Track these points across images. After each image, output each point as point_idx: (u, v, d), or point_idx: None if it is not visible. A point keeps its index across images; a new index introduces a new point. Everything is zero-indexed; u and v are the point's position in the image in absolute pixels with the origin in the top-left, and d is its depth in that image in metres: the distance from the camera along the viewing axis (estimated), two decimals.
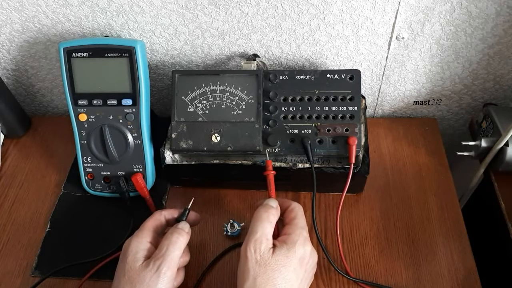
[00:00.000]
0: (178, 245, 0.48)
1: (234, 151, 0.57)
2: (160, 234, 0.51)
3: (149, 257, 0.47)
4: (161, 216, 0.52)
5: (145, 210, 0.60)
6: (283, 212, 0.51)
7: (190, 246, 0.50)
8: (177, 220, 0.52)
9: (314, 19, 0.58)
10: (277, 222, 0.50)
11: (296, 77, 0.57)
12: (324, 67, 0.64)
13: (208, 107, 0.57)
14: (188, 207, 0.53)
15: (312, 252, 0.48)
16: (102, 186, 0.62)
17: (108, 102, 0.58)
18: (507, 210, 0.58)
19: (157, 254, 0.47)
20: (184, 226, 0.50)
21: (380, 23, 0.58)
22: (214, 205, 0.62)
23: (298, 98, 0.57)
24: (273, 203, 0.50)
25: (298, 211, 0.50)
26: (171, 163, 0.59)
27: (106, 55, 0.57)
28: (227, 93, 0.57)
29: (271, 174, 0.52)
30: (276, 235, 0.49)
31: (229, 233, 0.58)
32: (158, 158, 0.60)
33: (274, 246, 0.46)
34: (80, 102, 0.58)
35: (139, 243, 0.48)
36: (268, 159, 0.54)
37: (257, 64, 0.61)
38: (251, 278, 0.44)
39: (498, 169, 0.60)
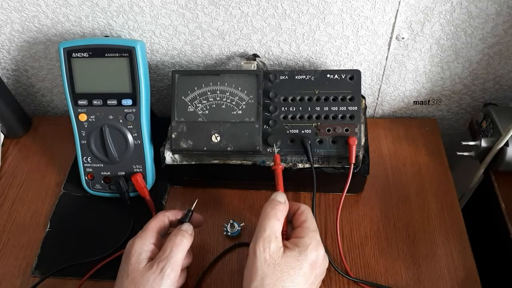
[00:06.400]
0: (181, 247, 0.47)
1: (234, 151, 0.57)
2: (163, 236, 0.51)
3: (152, 258, 0.47)
4: (164, 217, 0.52)
5: (145, 210, 0.60)
6: (292, 215, 0.50)
7: (191, 246, 0.50)
8: (180, 221, 0.52)
9: (314, 19, 0.58)
10: (286, 223, 0.49)
11: (296, 77, 0.57)
12: (324, 67, 0.64)
13: (208, 107, 0.57)
14: (192, 209, 0.53)
15: (325, 256, 0.47)
16: (102, 186, 0.62)
17: (108, 102, 0.58)
18: (507, 210, 0.58)
19: (160, 256, 0.46)
20: (188, 228, 0.50)
21: (380, 23, 0.58)
22: (214, 205, 0.62)
23: (298, 98, 0.57)
24: (281, 197, 0.48)
25: (308, 214, 0.49)
26: (171, 163, 0.59)
27: (106, 55, 0.57)
28: (227, 93, 0.57)
29: (279, 168, 0.52)
30: (286, 237, 0.48)
31: (229, 233, 0.58)
32: (158, 158, 0.60)
33: (285, 247, 0.45)
34: (80, 102, 0.59)
35: (143, 245, 0.48)
36: (276, 153, 0.54)
37: (257, 64, 0.61)
38: (259, 278, 0.43)
39: (498, 169, 0.60)
